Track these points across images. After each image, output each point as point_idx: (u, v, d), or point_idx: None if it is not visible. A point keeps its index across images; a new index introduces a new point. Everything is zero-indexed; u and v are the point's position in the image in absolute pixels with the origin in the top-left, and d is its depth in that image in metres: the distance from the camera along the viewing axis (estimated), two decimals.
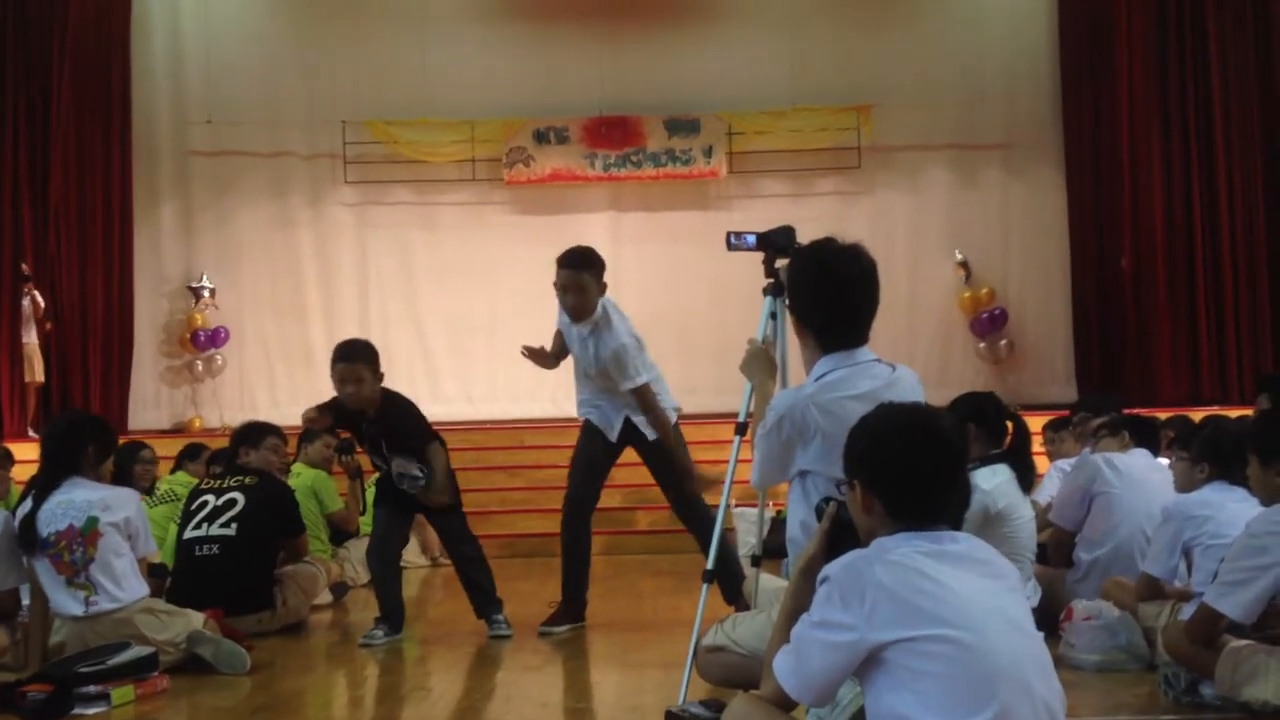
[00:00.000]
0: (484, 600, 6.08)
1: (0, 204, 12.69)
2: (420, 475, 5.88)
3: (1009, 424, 5.51)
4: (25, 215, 12.66)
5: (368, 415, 5.93)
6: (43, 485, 5.24)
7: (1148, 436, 6.01)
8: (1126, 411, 7.27)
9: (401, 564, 6.42)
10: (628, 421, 6.14)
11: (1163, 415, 7.36)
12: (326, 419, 6.07)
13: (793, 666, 2.64)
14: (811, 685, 2.64)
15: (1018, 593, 2.71)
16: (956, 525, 2.71)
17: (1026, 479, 5.40)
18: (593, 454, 6.24)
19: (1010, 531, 5.19)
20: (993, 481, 5.18)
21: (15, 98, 12.67)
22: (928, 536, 2.63)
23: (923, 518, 2.66)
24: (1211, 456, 4.77)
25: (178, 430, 13.41)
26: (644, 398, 6.04)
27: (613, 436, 6.19)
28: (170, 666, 5.07)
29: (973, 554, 2.66)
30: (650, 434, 6.12)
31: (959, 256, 13.66)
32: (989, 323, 13.54)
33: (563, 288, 5.98)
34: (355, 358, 5.85)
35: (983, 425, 5.39)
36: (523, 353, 6.41)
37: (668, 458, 6.13)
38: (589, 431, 6.25)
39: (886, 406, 2.85)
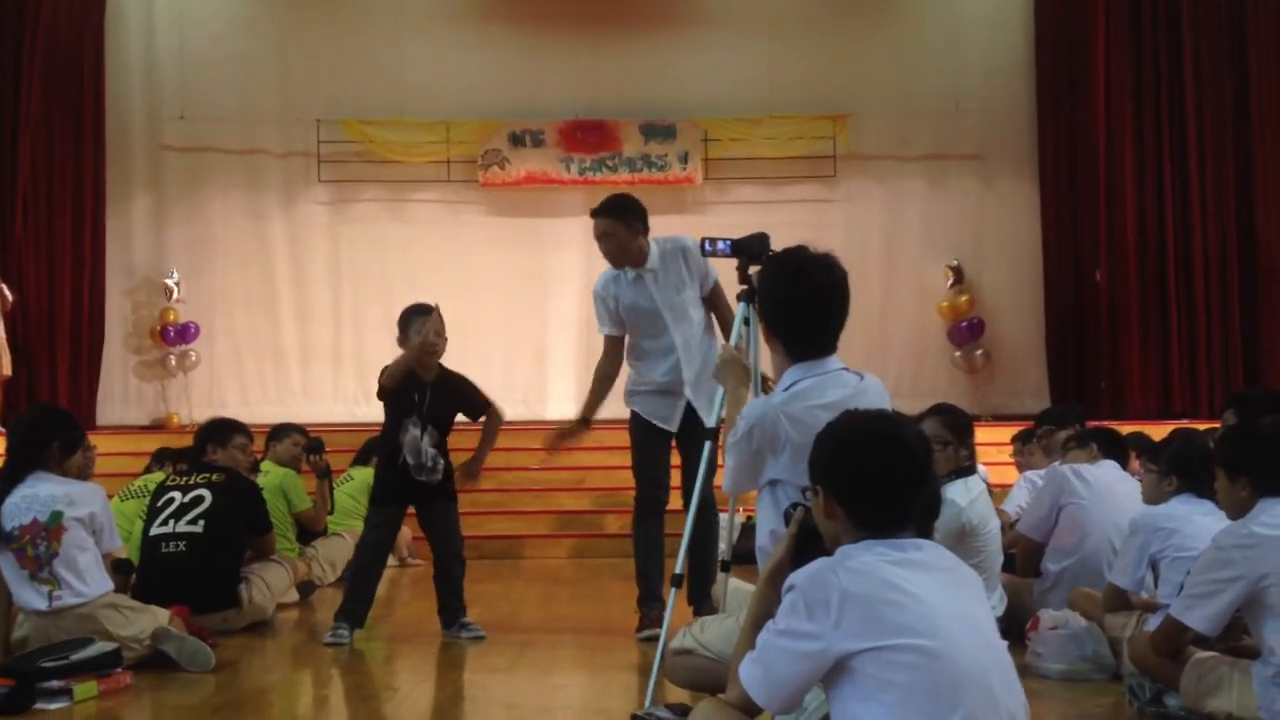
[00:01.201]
0: (456, 606, 6.01)
1: None
2: (443, 460, 5.97)
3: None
4: None
5: (426, 379, 5.99)
6: (7, 479, 5.19)
7: (1116, 448, 6.04)
8: (1095, 423, 7.32)
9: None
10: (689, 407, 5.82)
11: (1126, 429, 7.39)
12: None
13: (760, 676, 2.64)
14: (778, 694, 2.64)
15: (983, 601, 2.72)
16: (924, 533, 2.71)
17: None
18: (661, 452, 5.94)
19: (981, 544, 5.22)
20: (968, 496, 5.22)
21: None
22: (891, 544, 2.62)
23: (886, 525, 2.65)
24: (1180, 469, 4.80)
25: (156, 426, 13.33)
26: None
27: (675, 426, 5.87)
28: (134, 663, 5.03)
29: (937, 561, 2.66)
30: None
31: (953, 261, 13.66)
32: (967, 331, 13.58)
33: (597, 237, 5.89)
34: (436, 309, 6.00)
35: (957, 437, 5.42)
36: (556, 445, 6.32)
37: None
38: (650, 429, 5.91)
39: (851, 414, 2.84)
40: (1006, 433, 9.03)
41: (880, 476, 2.67)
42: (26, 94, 12.63)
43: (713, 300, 5.96)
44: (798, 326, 3.66)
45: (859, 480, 2.68)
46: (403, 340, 6.06)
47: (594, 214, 5.89)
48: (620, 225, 5.82)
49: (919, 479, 2.71)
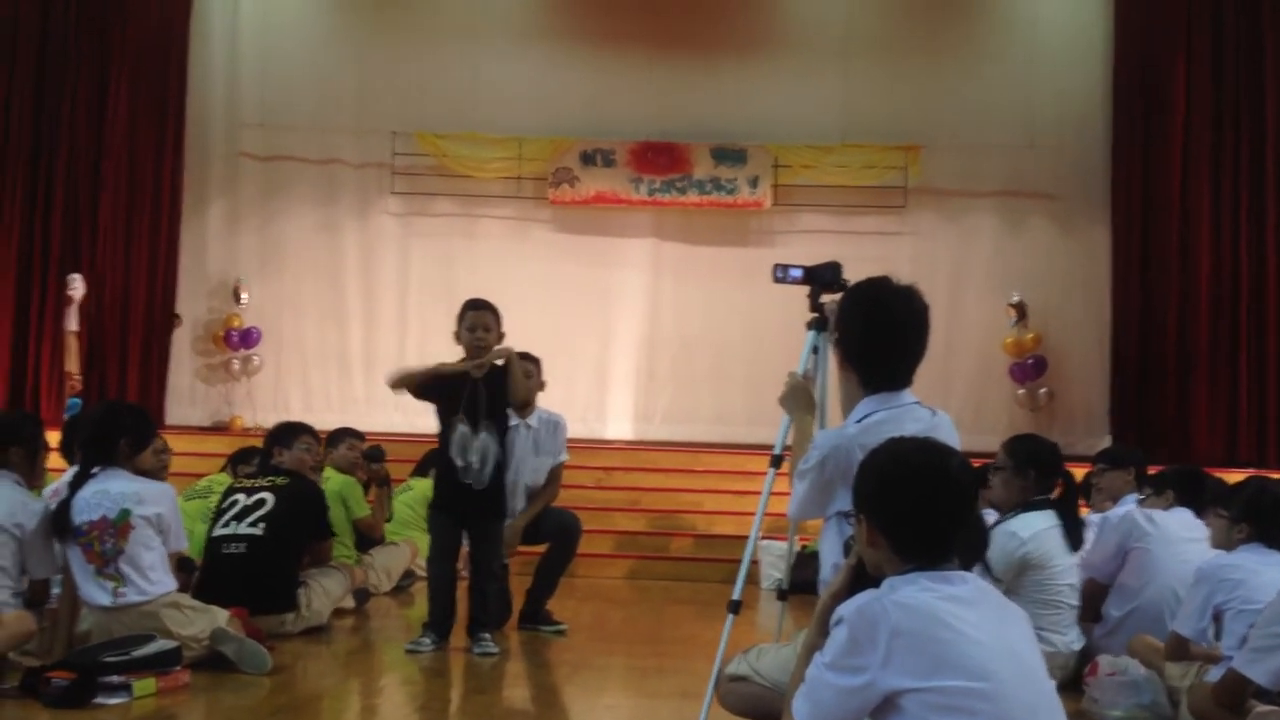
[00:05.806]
0: (485, 617, 6.00)
1: (52, 194, 12.95)
2: (501, 451, 6.00)
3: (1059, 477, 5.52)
4: (79, 207, 12.90)
5: (473, 375, 5.99)
6: (79, 474, 5.28)
7: (1193, 494, 5.90)
8: (1158, 469, 7.19)
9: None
10: None
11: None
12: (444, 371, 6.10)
13: (808, 711, 2.62)
14: None
15: (1030, 639, 2.67)
16: (966, 565, 2.69)
17: (1075, 534, 5.39)
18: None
19: (1046, 579, 5.19)
20: (1031, 530, 5.20)
21: (75, 90, 12.97)
22: (938, 576, 2.59)
23: (930, 556, 2.62)
24: (1251, 517, 4.73)
25: (219, 428, 13.52)
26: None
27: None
28: (192, 662, 5.10)
29: (984, 597, 2.63)
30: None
31: (1015, 298, 13.50)
32: (1029, 369, 13.43)
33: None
34: (486, 306, 6.18)
35: (1037, 470, 5.41)
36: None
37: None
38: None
39: (896, 443, 2.80)
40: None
41: (927, 510, 2.63)
42: (113, 98, 13.00)
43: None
44: (874, 358, 3.65)
45: (906, 513, 2.65)
46: (458, 333, 6.18)
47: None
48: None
49: (963, 511, 2.69)
